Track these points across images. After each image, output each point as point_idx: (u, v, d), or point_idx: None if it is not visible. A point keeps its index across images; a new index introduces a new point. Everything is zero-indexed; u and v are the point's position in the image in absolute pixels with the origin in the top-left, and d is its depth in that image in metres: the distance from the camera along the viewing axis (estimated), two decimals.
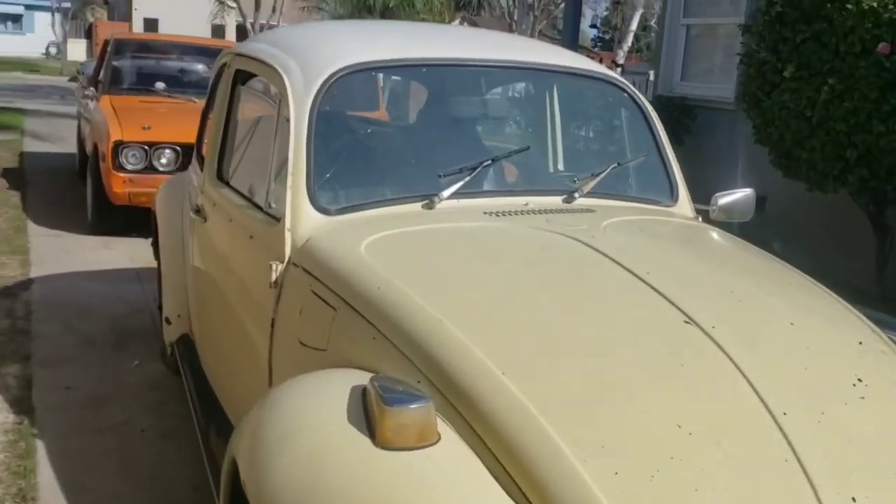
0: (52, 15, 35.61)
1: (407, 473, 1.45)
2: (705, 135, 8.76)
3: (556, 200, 2.52)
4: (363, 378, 1.66)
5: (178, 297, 3.57)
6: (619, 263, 1.94)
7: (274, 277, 2.24)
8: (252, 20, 20.43)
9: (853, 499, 1.45)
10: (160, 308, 4.10)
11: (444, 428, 1.53)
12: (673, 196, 2.76)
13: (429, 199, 2.37)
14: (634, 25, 28.46)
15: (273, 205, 2.44)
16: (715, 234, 2.55)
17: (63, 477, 2.98)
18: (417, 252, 2.11)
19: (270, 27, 22.10)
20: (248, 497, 1.57)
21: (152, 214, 4.15)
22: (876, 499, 1.47)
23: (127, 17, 36.55)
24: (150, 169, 6.10)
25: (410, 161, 2.57)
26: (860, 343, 1.85)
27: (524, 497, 1.42)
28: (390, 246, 2.11)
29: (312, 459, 1.51)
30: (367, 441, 1.49)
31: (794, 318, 1.87)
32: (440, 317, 1.72)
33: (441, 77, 2.70)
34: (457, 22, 41.98)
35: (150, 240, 4.37)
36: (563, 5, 32.34)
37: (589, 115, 3.09)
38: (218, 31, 31.61)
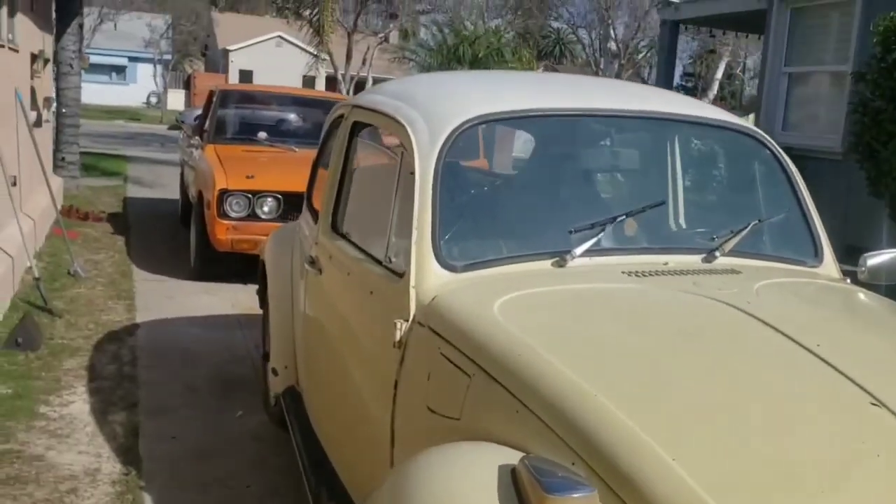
0: (154, 66, 37.41)
1: None
2: (811, 187, 8.37)
3: (695, 259, 2.37)
4: (510, 456, 1.53)
5: (286, 348, 3.52)
6: (784, 334, 1.77)
7: (399, 336, 2.15)
8: (343, 72, 20.94)
9: None
10: (264, 357, 4.07)
11: None
12: (818, 256, 2.57)
13: (559, 257, 2.25)
14: (720, 74, 28.03)
15: (393, 259, 2.36)
16: (872, 298, 2.33)
17: None
18: (558, 315, 1.98)
19: (360, 78, 22.69)
20: None
21: (260, 263, 4.14)
22: None
23: (223, 69, 38.06)
24: (253, 216, 6.18)
25: (538, 215, 2.45)
26: None
27: None
28: (527, 307, 1.99)
29: None
30: None
31: None
32: (595, 391, 1.57)
33: (569, 128, 2.59)
34: (540, 70, 42.15)
35: (256, 287, 4.36)
36: (646, 54, 32.23)
37: (721, 168, 2.93)
38: (309, 81, 32.56)
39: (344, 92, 19.25)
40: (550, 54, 36.52)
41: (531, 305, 2.01)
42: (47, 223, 7.42)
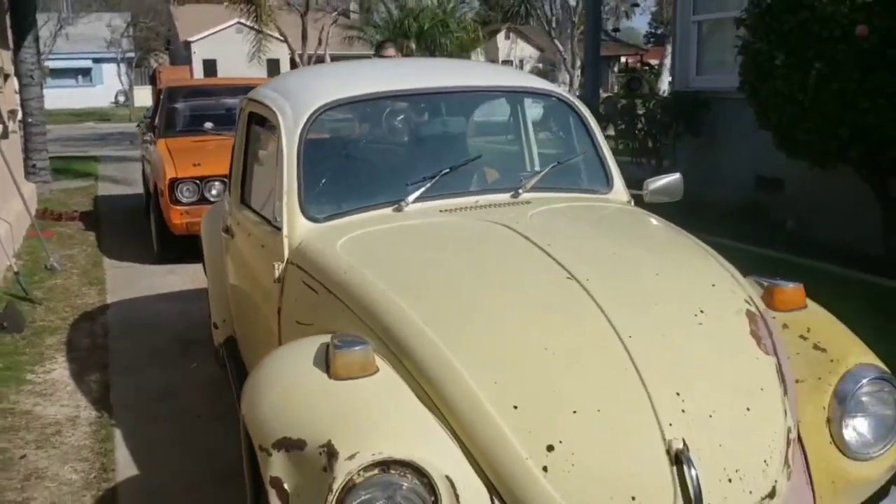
0: (118, 65, 37.66)
1: (353, 395, 2.05)
2: (720, 125, 9.16)
3: (504, 197, 3.09)
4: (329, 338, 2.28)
5: (221, 305, 4.25)
6: (529, 239, 2.51)
7: (276, 275, 2.88)
8: (300, 52, 21.46)
9: (677, 393, 2.00)
10: (210, 317, 4.80)
11: (381, 364, 2.13)
12: (608, 185, 3.29)
13: (397, 204, 2.97)
14: None
15: (278, 218, 3.08)
16: (632, 213, 3.07)
17: (136, 454, 3.67)
18: (379, 244, 2.72)
19: (319, 57, 23.16)
20: (246, 425, 2.19)
21: (199, 239, 4.87)
22: (694, 393, 2.01)
23: (187, 61, 38.34)
24: (203, 200, 6.87)
25: (383, 174, 3.18)
26: (713, 285, 2.37)
27: (434, 405, 2.01)
28: (360, 241, 2.72)
29: (287, 390, 2.13)
30: (324, 375, 2.10)
31: (660, 270, 2.40)
32: (384, 287, 2.32)
33: (406, 104, 3.31)
34: (502, 33, 42.58)
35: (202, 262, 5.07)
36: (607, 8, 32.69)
37: (543, 124, 3.67)
38: (273, 63, 32.86)
39: None
40: (516, 15, 36.81)
41: (364, 239, 2.74)
42: (23, 227, 8.08)
